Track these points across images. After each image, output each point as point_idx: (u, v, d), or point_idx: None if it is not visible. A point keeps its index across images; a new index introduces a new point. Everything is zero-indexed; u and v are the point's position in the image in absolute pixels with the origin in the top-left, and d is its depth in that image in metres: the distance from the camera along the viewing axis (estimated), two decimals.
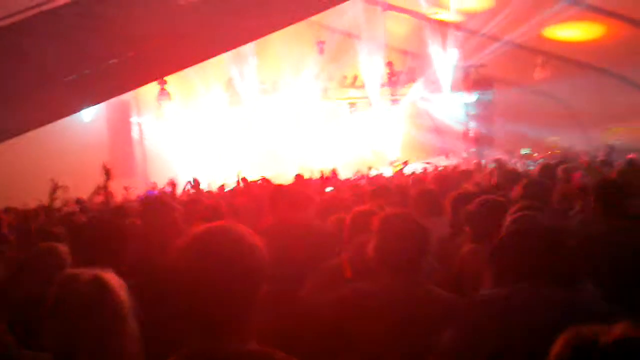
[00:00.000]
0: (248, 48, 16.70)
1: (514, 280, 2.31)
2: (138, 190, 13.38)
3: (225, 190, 11.22)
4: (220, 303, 1.69)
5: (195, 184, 8.11)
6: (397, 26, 17.81)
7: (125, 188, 12.28)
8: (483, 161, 14.40)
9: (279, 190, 4.73)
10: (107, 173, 6.28)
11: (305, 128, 19.69)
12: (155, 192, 12.50)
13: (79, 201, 9.86)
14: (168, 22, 9.83)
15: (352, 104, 20.04)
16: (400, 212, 3.05)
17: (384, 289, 2.71)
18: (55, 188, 7.18)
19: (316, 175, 12.19)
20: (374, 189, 6.06)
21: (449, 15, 16.05)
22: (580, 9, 13.57)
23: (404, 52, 19.20)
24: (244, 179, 10.62)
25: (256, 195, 7.47)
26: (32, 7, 9.38)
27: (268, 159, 18.46)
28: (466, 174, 9.72)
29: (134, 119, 18.69)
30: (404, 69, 19.48)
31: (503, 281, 2.38)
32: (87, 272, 2.00)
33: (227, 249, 1.71)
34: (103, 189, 6.79)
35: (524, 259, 2.34)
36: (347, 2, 13.30)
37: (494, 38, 16.05)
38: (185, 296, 1.72)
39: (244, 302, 1.72)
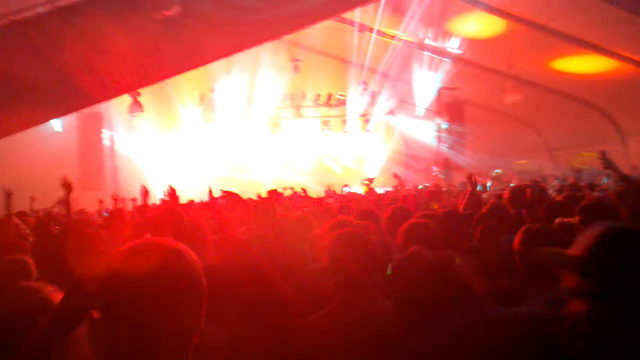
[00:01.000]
0: (223, 63, 16.72)
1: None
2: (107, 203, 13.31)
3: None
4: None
5: (171, 192, 8.05)
6: (374, 47, 17.99)
7: (100, 201, 12.23)
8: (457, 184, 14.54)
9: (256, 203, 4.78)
10: (67, 186, 6.24)
11: (278, 145, 19.81)
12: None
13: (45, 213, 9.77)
14: (142, 35, 9.83)
15: (325, 122, 20.16)
16: (349, 230, 3.05)
17: (338, 311, 2.72)
18: (8, 195, 7.17)
19: (288, 192, 12.29)
20: (341, 207, 6.13)
21: (424, 39, 16.22)
22: (553, 37, 13.80)
23: (380, 74, 19.36)
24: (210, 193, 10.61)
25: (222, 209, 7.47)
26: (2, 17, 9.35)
27: (239, 174, 18.51)
28: (436, 195, 9.86)
29: (105, 131, 18.55)
30: (378, 90, 19.62)
31: None
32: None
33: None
34: (64, 202, 6.73)
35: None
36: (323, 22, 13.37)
37: (469, 63, 16.27)
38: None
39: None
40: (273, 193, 11.05)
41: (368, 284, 2.79)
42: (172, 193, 5.41)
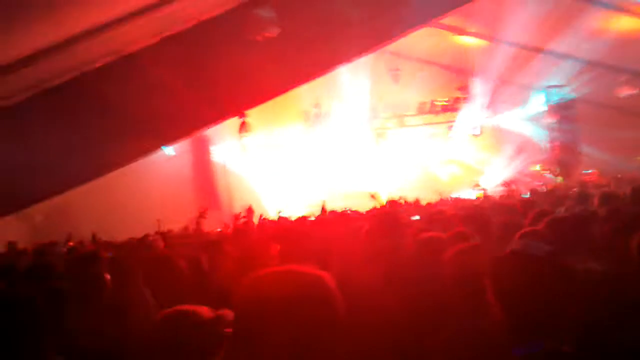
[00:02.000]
0: (325, 78, 16.97)
1: None
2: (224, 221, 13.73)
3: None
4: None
5: (248, 213, 8.19)
6: (475, 50, 17.67)
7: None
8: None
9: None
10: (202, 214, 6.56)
11: (383, 155, 19.80)
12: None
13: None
14: (244, 58, 10.13)
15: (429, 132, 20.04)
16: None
17: None
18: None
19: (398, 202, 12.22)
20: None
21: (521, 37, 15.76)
22: None
23: (483, 76, 18.98)
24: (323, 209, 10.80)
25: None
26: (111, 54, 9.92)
27: (347, 187, 18.62)
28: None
29: (216, 152, 19.23)
30: (482, 94, 19.25)
31: None
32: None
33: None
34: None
35: None
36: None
37: (571, 57, 15.65)
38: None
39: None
40: (393, 203, 11.08)
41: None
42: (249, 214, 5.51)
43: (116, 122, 10.34)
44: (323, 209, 10.98)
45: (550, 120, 18.78)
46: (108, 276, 3.73)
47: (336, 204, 12.69)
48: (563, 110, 18.54)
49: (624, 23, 13.54)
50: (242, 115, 15.12)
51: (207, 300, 2.79)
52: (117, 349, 2.76)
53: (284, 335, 1.54)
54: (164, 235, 9.02)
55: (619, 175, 14.54)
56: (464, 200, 13.20)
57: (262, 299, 1.59)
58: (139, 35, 10.07)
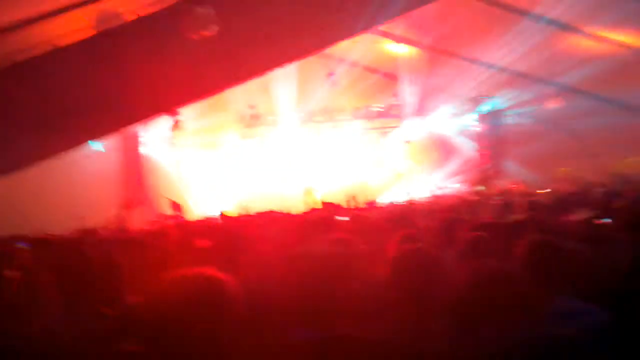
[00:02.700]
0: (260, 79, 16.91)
1: None
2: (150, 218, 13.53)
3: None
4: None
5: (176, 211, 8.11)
6: (409, 57, 17.93)
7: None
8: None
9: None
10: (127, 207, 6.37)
11: (316, 158, 19.89)
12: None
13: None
14: (180, 55, 9.99)
15: (363, 134, 20.19)
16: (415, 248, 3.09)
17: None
18: None
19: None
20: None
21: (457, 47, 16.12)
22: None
23: (415, 83, 19.27)
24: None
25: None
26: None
27: (280, 187, 18.64)
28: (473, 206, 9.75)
29: (147, 150, 18.86)
30: (415, 100, 19.56)
31: None
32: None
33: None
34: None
35: None
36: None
37: (504, 69, 16.10)
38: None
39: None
40: (328, 206, 11.14)
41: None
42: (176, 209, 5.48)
43: (43, 114, 10.04)
44: (247, 210, 11.06)
45: (479, 129, 19.26)
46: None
47: (267, 204, 12.67)
48: (491, 121, 19.07)
49: (556, 38, 13.99)
50: (175, 113, 14.91)
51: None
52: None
53: (187, 333, 1.67)
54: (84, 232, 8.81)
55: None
56: (390, 205, 13.36)
57: (167, 301, 1.73)
58: (73, 29, 9.81)
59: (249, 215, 10.15)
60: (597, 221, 4.86)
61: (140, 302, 1.75)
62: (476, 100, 18.84)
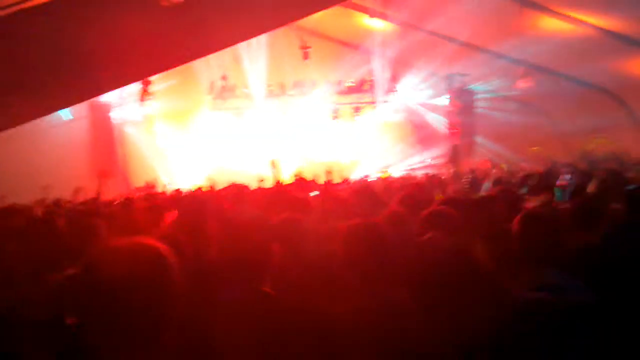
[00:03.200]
0: (233, 50, 16.73)
1: None
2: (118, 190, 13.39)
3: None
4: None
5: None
6: (383, 32, 17.85)
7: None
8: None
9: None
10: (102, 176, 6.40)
11: (286, 133, 19.80)
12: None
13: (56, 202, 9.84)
14: (149, 22, 9.80)
15: (335, 110, 20.12)
16: (363, 223, 3.09)
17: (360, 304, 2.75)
18: None
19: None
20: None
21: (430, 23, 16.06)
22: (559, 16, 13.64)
23: (389, 59, 19.21)
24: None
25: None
26: (10, 6, 9.37)
27: (250, 160, 18.55)
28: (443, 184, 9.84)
29: (115, 119, 18.60)
30: (388, 76, 19.52)
31: None
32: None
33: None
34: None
35: None
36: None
37: (475, 47, 16.12)
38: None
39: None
40: (300, 180, 11.13)
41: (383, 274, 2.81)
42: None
43: (6, 79, 9.81)
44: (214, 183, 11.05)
45: (450, 107, 19.32)
46: None
47: (235, 178, 12.60)
48: (462, 99, 19.11)
49: (528, 19, 13.99)
50: (145, 82, 14.74)
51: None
52: None
53: (122, 303, 1.69)
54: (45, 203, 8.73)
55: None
56: (360, 181, 13.38)
57: (101, 271, 1.74)
58: None
59: (215, 190, 10.16)
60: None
61: (79, 272, 1.72)
62: (447, 78, 18.85)
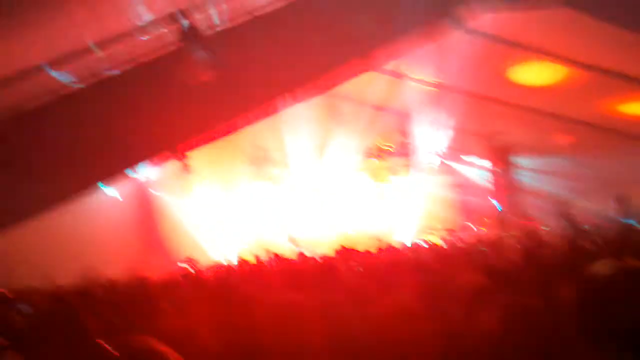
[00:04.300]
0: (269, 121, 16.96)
1: None
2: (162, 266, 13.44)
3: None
4: None
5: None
6: (413, 94, 17.84)
7: None
8: None
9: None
10: None
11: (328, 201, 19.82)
12: None
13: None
14: (180, 101, 10.09)
15: (373, 174, 20.09)
16: None
17: None
18: None
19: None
20: None
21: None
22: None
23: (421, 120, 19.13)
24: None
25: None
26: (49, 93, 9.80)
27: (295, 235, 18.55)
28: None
29: (157, 194, 18.90)
30: (422, 137, 19.46)
31: None
32: None
33: None
34: None
35: None
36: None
37: (506, 104, 15.96)
38: None
39: None
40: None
41: None
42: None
43: (49, 161, 10.16)
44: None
45: (494, 169, 19.10)
46: None
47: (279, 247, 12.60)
48: (504, 156, 18.88)
49: (559, 72, 13.89)
50: (183, 157, 14.98)
51: None
52: None
53: None
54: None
55: None
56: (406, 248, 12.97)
57: None
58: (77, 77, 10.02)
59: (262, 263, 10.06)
60: None
61: None
62: (488, 138, 18.64)
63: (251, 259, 11.95)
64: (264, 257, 11.47)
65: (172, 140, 11.57)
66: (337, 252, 10.86)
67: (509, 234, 14.70)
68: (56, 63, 10.29)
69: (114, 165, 11.48)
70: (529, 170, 18.49)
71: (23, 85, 10.09)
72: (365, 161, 20.12)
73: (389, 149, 20.01)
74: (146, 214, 18.49)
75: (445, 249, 11.43)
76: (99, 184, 13.15)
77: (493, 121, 17.03)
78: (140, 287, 8.13)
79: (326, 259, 8.84)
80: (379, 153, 20.08)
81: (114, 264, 11.70)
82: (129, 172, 13.07)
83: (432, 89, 16.66)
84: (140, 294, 6.77)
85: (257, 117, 12.78)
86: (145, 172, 17.27)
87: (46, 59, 10.13)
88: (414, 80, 16.50)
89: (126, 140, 10.46)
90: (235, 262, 12.45)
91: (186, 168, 15.68)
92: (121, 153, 10.86)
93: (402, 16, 10.43)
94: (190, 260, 15.24)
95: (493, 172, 19.15)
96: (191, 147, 13.67)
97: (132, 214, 18.14)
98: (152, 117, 10.48)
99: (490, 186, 19.26)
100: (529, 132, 17.09)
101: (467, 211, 19.30)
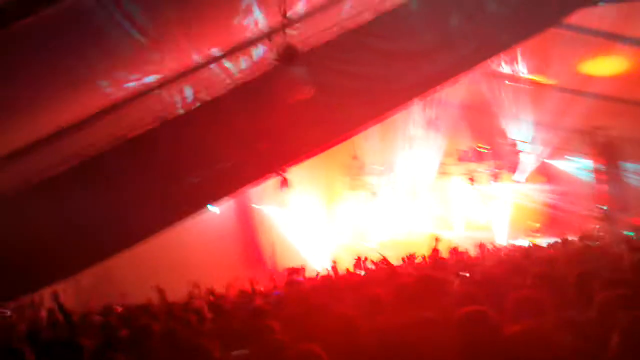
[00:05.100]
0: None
1: None
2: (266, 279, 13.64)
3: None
4: None
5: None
6: (512, 94, 17.43)
7: None
8: None
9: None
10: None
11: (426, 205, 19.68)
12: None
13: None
14: (279, 118, 10.20)
15: (471, 179, 19.81)
16: None
17: None
18: None
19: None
20: None
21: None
22: None
23: (521, 120, 18.68)
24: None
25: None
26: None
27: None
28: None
29: (258, 208, 19.27)
30: (522, 138, 18.99)
31: None
32: None
33: None
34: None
35: None
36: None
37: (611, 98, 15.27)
38: None
39: None
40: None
41: None
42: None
43: (161, 185, 10.50)
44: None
45: (595, 162, 18.41)
46: None
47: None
48: (608, 151, 18.17)
49: None
50: (282, 171, 15.20)
51: None
52: None
53: None
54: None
55: None
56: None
57: None
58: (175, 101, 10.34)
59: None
60: None
61: None
62: (589, 133, 17.93)
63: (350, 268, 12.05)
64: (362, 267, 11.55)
65: (276, 163, 11.72)
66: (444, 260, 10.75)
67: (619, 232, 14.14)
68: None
69: (219, 190, 11.68)
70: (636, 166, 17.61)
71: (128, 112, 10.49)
72: (463, 164, 19.85)
73: (486, 150, 19.62)
74: (247, 227, 18.87)
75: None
76: (207, 205, 13.43)
77: (595, 116, 16.35)
78: (247, 301, 8.33)
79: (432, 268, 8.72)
80: (476, 155, 19.72)
81: (219, 279, 11.99)
82: (232, 192, 13.28)
83: (529, 87, 16.18)
84: (246, 308, 6.92)
85: (355, 131, 12.76)
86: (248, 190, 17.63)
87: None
88: (511, 78, 16.07)
89: (230, 164, 10.68)
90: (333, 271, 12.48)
91: (285, 182, 15.92)
92: (226, 177, 11.06)
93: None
94: (294, 271, 15.47)
95: (597, 170, 18.38)
96: (290, 164, 13.83)
97: (233, 228, 18.55)
98: (255, 139, 10.63)
99: (595, 184, 18.50)
100: (634, 125, 16.30)
101: (570, 213, 18.61)
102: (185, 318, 6.14)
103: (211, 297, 9.63)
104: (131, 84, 9.87)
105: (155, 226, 11.30)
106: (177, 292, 9.76)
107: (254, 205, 19.21)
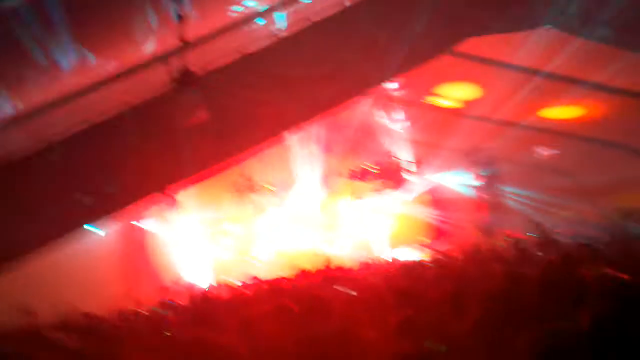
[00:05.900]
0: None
1: None
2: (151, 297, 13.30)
3: None
4: None
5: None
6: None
7: None
8: None
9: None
10: None
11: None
12: None
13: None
14: (172, 140, 10.09)
15: (358, 197, 20.24)
16: None
17: None
18: None
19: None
20: None
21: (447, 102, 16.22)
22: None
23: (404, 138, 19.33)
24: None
25: None
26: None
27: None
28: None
29: (146, 226, 18.77)
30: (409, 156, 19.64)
31: None
32: None
33: None
34: None
35: None
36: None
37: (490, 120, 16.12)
38: None
39: None
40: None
41: None
42: None
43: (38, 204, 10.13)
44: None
45: (476, 182, 19.31)
46: None
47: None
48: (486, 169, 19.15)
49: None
50: (168, 191, 14.91)
51: None
52: None
53: None
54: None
55: None
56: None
57: None
58: (66, 125, 9.99)
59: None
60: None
61: None
62: (470, 153, 18.84)
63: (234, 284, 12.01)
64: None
65: (163, 183, 11.53)
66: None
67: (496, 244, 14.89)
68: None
69: (103, 209, 11.39)
70: (512, 183, 18.68)
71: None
72: (348, 183, 20.27)
73: (375, 170, 20.12)
74: (134, 247, 18.34)
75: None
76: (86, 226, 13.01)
77: (473, 136, 17.20)
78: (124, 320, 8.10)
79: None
80: (363, 174, 20.18)
81: (98, 298, 11.58)
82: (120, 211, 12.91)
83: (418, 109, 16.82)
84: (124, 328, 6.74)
85: (251, 155, 12.79)
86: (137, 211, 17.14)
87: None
88: (400, 101, 16.63)
89: (116, 184, 10.45)
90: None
91: (174, 202, 15.62)
92: (109, 197, 10.81)
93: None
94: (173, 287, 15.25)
95: (476, 186, 19.32)
96: (182, 186, 13.63)
97: (119, 247, 17.98)
98: (142, 160, 10.43)
99: (473, 199, 19.43)
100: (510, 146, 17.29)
101: (451, 226, 19.45)
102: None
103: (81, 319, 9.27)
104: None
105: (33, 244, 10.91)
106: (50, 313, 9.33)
107: (140, 224, 18.67)
